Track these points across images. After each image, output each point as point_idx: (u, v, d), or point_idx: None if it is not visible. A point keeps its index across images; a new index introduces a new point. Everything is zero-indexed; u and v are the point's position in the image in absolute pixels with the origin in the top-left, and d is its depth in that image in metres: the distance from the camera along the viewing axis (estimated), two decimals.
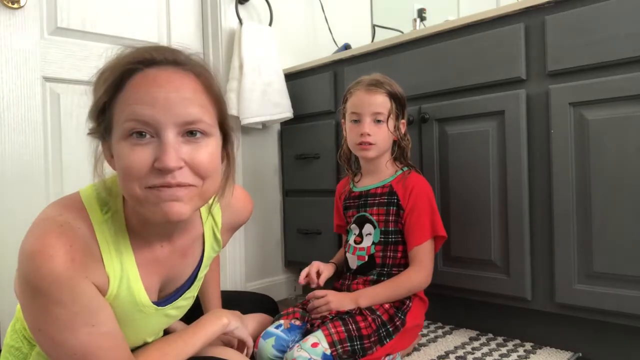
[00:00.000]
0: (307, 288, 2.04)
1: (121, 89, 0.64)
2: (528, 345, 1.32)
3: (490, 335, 1.41)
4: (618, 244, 1.12)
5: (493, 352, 1.28)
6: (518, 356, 1.25)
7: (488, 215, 1.34)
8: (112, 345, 0.70)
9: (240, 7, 1.88)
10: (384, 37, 1.73)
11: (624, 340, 1.18)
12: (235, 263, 1.86)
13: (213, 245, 0.89)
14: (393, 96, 1.27)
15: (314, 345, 1.06)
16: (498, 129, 1.32)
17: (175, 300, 0.83)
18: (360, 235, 1.32)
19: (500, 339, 1.37)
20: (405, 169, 1.31)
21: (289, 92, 1.87)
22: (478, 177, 1.35)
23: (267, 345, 1.13)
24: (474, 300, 1.42)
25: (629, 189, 1.10)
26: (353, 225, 1.34)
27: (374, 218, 1.29)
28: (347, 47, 1.88)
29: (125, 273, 0.73)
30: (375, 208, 1.29)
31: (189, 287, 0.86)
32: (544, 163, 1.24)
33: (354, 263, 1.31)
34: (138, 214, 0.72)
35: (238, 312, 1.04)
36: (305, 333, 1.15)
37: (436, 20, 1.62)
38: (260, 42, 1.83)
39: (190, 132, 0.66)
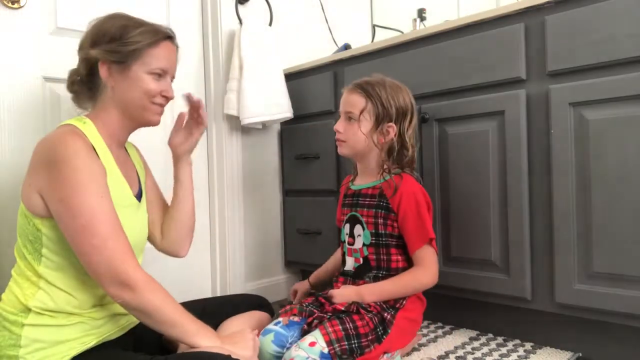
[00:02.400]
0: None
1: (153, 46, 1.06)
2: (528, 345, 1.32)
3: (490, 335, 1.41)
4: (618, 244, 1.12)
5: (493, 352, 1.28)
6: (518, 356, 1.25)
7: (488, 215, 1.34)
8: (115, 221, 0.93)
9: (240, 7, 1.88)
10: (384, 37, 1.74)
11: (624, 340, 1.18)
12: (235, 263, 1.86)
13: (135, 157, 1.21)
14: (373, 98, 1.24)
15: (312, 344, 1.06)
16: (498, 129, 1.32)
17: (141, 197, 1.13)
18: (352, 235, 1.31)
19: (500, 339, 1.37)
20: (399, 171, 1.26)
21: (289, 92, 1.87)
22: (478, 177, 1.35)
23: (267, 341, 1.13)
24: (474, 300, 1.42)
25: (629, 188, 1.10)
26: (346, 224, 1.34)
27: (363, 219, 1.29)
28: (347, 47, 1.87)
29: (111, 167, 1.02)
30: (365, 209, 1.28)
31: (141, 189, 1.16)
32: (544, 163, 1.24)
33: (350, 265, 1.31)
34: (116, 123, 1.07)
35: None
36: (304, 334, 1.15)
37: (436, 20, 1.63)
38: (260, 42, 1.82)
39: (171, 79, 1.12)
